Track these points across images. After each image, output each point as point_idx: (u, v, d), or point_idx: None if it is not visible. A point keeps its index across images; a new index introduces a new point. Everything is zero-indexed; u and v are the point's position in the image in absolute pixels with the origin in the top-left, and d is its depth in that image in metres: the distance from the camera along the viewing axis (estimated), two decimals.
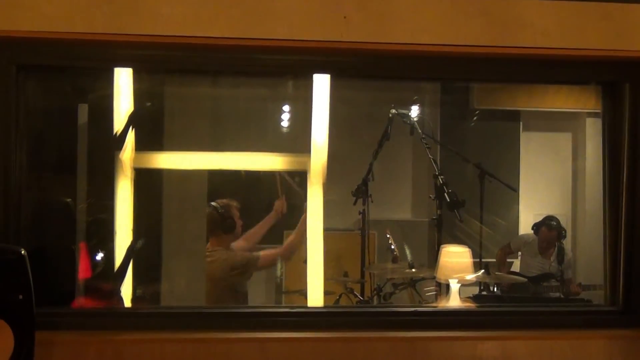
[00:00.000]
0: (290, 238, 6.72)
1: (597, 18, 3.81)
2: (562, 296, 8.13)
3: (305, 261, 4.92)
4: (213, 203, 6.48)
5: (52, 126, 4.65)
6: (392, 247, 7.21)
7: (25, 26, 3.56)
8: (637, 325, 4.03)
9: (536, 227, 8.71)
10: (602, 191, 4.23)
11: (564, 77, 4.19)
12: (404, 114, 6.58)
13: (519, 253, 9.00)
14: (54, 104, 4.68)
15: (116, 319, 3.97)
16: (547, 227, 8.56)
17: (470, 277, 5.28)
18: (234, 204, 6.63)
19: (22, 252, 3.23)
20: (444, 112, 10.10)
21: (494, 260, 8.66)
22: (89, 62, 3.83)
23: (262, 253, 6.46)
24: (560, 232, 8.55)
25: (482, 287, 7.06)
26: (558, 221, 8.57)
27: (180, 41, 3.66)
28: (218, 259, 6.32)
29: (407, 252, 7.19)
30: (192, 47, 3.74)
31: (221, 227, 6.41)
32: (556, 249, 8.48)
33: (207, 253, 6.37)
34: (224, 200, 6.56)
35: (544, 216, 8.83)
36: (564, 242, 8.65)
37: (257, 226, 6.86)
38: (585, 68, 4.02)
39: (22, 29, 3.56)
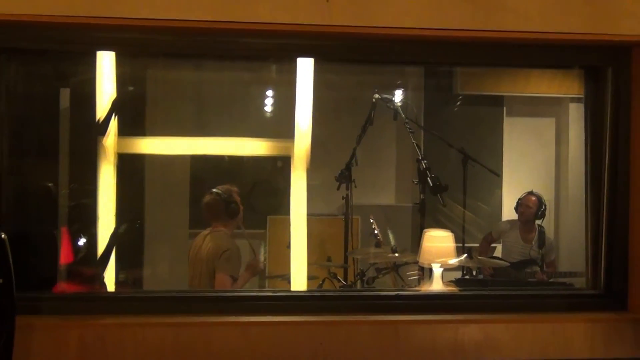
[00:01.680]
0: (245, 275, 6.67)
1: (580, 2, 3.81)
2: (545, 279, 8.15)
3: (288, 246, 4.92)
4: (214, 189, 6.48)
5: (34, 110, 4.62)
6: (376, 231, 7.20)
7: (6, 9, 3.53)
8: (617, 308, 4.06)
9: (517, 202, 8.73)
10: (584, 176, 4.24)
11: (547, 61, 4.19)
12: (387, 98, 6.56)
13: (502, 239, 9.00)
14: (36, 88, 4.65)
15: (97, 303, 3.96)
16: (528, 194, 8.58)
17: (453, 261, 5.28)
18: (234, 188, 6.64)
19: (3, 236, 3.22)
20: (428, 97, 10.08)
21: (477, 245, 8.67)
22: (71, 45, 3.81)
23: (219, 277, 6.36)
24: (541, 200, 8.56)
25: (464, 272, 7.07)
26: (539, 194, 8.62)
27: (163, 24, 3.64)
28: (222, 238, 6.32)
29: (391, 236, 7.18)
30: (175, 31, 3.72)
31: (226, 212, 6.41)
32: (537, 233, 8.50)
33: (212, 233, 6.38)
34: (225, 186, 6.56)
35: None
36: (544, 225, 8.67)
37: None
38: (568, 52, 4.03)
39: (4, 12, 3.54)
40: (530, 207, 8.53)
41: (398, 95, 8.84)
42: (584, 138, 4.23)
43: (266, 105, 9.61)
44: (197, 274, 6.26)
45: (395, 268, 6.69)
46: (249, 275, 6.60)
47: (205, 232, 6.47)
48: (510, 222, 8.83)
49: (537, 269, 8.31)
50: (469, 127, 10.12)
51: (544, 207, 8.59)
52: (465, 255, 5.56)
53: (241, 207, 6.54)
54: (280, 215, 8.60)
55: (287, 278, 5.71)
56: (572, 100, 10.30)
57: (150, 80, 6.42)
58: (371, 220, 7.37)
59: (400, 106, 6.60)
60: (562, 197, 10.73)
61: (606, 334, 3.94)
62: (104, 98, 4.64)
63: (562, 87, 9.79)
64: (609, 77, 4.05)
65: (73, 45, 3.82)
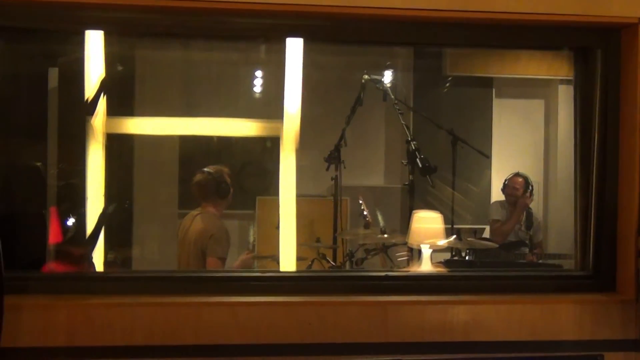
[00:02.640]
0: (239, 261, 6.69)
1: None
2: (534, 260, 8.18)
3: (277, 227, 4.92)
4: (205, 169, 6.49)
5: (22, 90, 4.62)
6: (365, 213, 7.22)
7: None
8: (606, 289, 4.06)
9: (504, 184, 8.75)
10: (573, 158, 4.25)
11: (536, 42, 4.18)
12: (376, 79, 6.57)
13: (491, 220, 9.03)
14: (23, 68, 4.64)
15: (86, 283, 3.95)
16: (514, 175, 8.62)
17: (442, 242, 5.30)
18: (225, 169, 6.65)
19: None
20: (417, 78, 10.10)
21: (467, 226, 8.69)
22: (58, 24, 3.78)
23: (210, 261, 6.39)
24: (527, 181, 8.60)
25: (453, 253, 7.09)
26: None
27: (151, 3, 3.62)
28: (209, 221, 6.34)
29: (380, 217, 7.19)
30: (163, 10, 3.70)
31: (217, 192, 6.43)
32: (524, 214, 8.53)
33: (201, 214, 6.39)
34: (216, 166, 6.57)
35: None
36: (531, 206, 8.70)
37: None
38: (558, 33, 4.02)
39: None
40: (517, 189, 8.57)
41: (387, 76, 8.87)
42: (573, 120, 4.24)
43: (255, 85, 9.60)
44: (185, 255, 6.28)
45: (384, 249, 6.72)
46: (239, 266, 6.63)
47: (195, 212, 6.48)
48: (500, 202, 8.87)
49: (527, 250, 8.34)
50: (458, 108, 10.14)
51: (531, 188, 8.62)
52: (454, 236, 5.57)
53: (232, 188, 6.54)
54: (269, 196, 8.61)
55: (276, 259, 5.72)
56: (562, 82, 10.33)
57: (139, 60, 6.40)
58: (360, 202, 7.39)
59: (389, 87, 6.61)
60: (550, 179, 10.78)
61: (595, 315, 3.95)
62: (93, 78, 4.62)
63: (551, 68, 9.81)
64: (599, 59, 4.04)
65: (61, 24, 3.79)
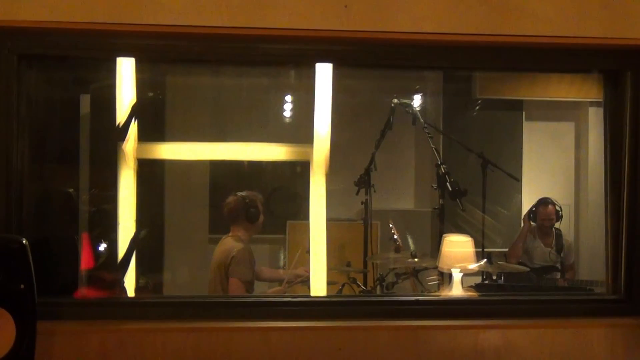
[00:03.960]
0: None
1: (597, 6, 3.81)
2: (566, 285, 8.11)
3: (308, 251, 4.92)
4: (239, 192, 6.52)
5: (54, 116, 4.66)
6: (395, 236, 7.20)
7: (26, 16, 3.56)
8: (638, 313, 4.04)
9: (533, 212, 8.68)
10: (604, 180, 4.23)
11: (566, 65, 4.18)
12: (406, 103, 6.56)
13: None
14: (56, 94, 4.68)
15: (118, 308, 3.97)
16: (544, 204, 8.54)
17: (473, 266, 5.28)
18: (259, 196, 6.68)
19: (24, 241, 3.23)
20: (447, 101, 10.07)
21: (497, 250, 8.65)
22: (90, 52, 3.83)
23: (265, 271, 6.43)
24: (557, 206, 8.53)
25: (484, 277, 7.05)
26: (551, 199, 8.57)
27: (182, 31, 3.66)
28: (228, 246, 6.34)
29: (410, 241, 7.18)
30: (194, 37, 3.74)
31: (246, 215, 6.43)
32: (554, 236, 8.46)
33: (227, 237, 6.42)
34: (250, 192, 6.59)
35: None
36: (561, 228, 8.64)
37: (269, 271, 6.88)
38: (587, 56, 4.02)
39: (24, 19, 3.56)
40: (552, 220, 8.50)
41: (417, 100, 8.86)
42: (603, 142, 4.23)
43: (285, 110, 9.62)
44: (213, 279, 6.29)
45: (415, 273, 6.69)
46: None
47: (225, 237, 6.50)
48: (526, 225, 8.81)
49: (558, 275, 8.28)
50: (488, 131, 10.10)
51: (561, 213, 8.57)
52: (485, 260, 5.55)
53: (262, 215, 6.56)
54: (299, 221, 8.62)
55: (307, 283, 5.72)
56: (592, 104, 10.27)
57: (170, 85, 6.44)
58: (390, 225, 7.37)
59: (419, 111, 6.60)
60: (582, 202, 10.70)
61: (626, 339, 3.92)
62: (124, 104, 4.66)
63: (581, 91, 9.77)
64: (628, 81, 4.04)
65: (93, 51, 3.84)
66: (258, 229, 6.56)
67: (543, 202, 8.56)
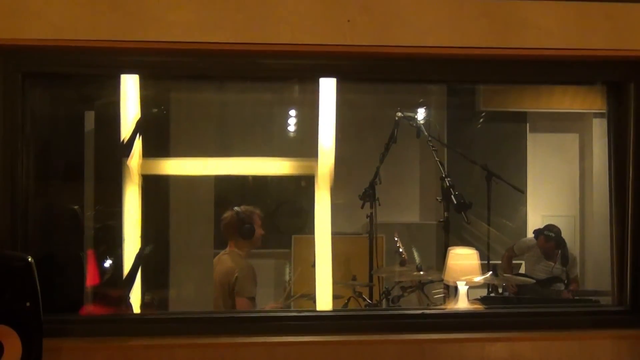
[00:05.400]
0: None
1: (600, 18, 3.81)
2: (570, 297, 8.10)
3: (313, 265, 4.92)
4: (236, 207, 6.52)
5: (59, 133, 4.66)
6: (400, 250, 7.19)
7: (30, 34, 3.57)
8: None
9: (536, 233, 8.68)
10: (608, 191, 4.23)
11: (569, 77, 4.19)
12: (410, 116, 6.58)
13: (525, 255, 8.96)
14: (61, 112, 4.68)
15: (124, 325, 3.97)
16: (545, 238, 8.51)
17: (478, 279, 5.28)
18: (257, 211, 6.66)
19: (30, 259, 3.24)
20: (451, 114, 10.09)
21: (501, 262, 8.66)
22: (94, 69, 3.84)
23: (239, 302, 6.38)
24: (558, 242, 8.48)
25: (490, 289, 7.05)
26: (558, 232, 8.48)
27: (185, 47, 3.67)
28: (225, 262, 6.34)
29: (415, 254, 7.18)
30: (197, 53, 3.75)
31: (239, 231, 6.44)
32: (559, 254, 8.45)
33: (225, 254, 6.41)
34: (249, 207, 6.59)
35: (546, 224, 8.78)
36: (566, 240, 8.63)
37: None
38: (590, 68, 4.02)
39: (28, 37, 3.57)
40: (550, 247, 8.47)
41: (421, 113, 8.86)
42: (607, 153, 4.23)
43: (289, 125, 9.64)
44: (216, 298, 6.29)
45: (421, 286, 6.69)
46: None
47: (222, 252, 6.50)
48: (533, 239, 8.80)
49: (562, 287, 8.27)
50: (492, 143, 10.12)
51: (563, 243, 8.51)
52: (491, 272, 5.55)
53: (259, 231, 6.55)
54: (304, 235, 8.62)
55: (312, 297, 5.72)
56: (596, 115, 10.29)
57: (174, 101, 6.44)
58: (396, 239, 7.37)
59: (423, 124, 6.62)
60: (587, 213, 10.70)
61: (633, 350, 3.92)
62: (128, 120, 4.67)
63: (585, 102, 9.77)
64: (631, 92, 4.04)
65: (97, 68, 3.85)
66: (255, 245, 6.55)
67: (545, 235, 8.54)
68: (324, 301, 4.89)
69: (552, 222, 8.75)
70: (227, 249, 6.48)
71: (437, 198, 6.15)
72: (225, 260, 6.35)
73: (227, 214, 6.51)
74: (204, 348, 3.73)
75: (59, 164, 4.71)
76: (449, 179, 5.84)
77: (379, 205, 7.25)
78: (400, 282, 6.97)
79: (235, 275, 6.18)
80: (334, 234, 4.84)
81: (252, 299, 6.19)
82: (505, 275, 6.36)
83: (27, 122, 3.78)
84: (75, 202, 4.97)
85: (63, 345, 3.65)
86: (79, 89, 4.79)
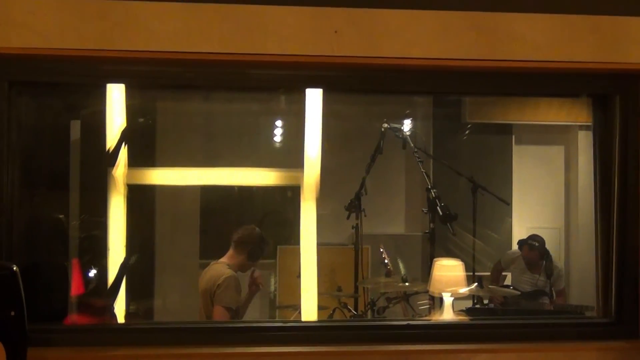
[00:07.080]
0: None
1: (587, 31, 3.83)
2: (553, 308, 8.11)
3: (298, 276, 4.92)
4: (256, 227, 6.53)
5: (45, 142, 4.65)
6: (386, 261, 7.21)
7: (16, 43, 3.56)
8: (629, 336, 4.04)
9: (520, 243, 8.70)
10: (593, 203, 4.24)
11: (555, 89, 4.21)
12: (396, 127, 6.59)
13: (510, 267, 8.97)
14: (46, 121, 4.67)
15: (109, 334, 3.96)
16: (529, 247, 8.50)
17: (464, 290, 5.29)
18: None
19: (15, 268, 3.22)
20: (437, 125, 10.11)
21: (488, 273, 8.66)
22: (80, 78, 3.83)
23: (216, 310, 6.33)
24: (542, 253, 8.48)
25: (475, 301, 7.06)
26: (542, 242, 8.47)
27: (172, 57, 3.67)
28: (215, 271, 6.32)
29: (401, 266, 7.19)
30: (184, 63, 3.74)
31: (251, 249, 6.40)
32: (542, 266, 8.45)
33: (214, 264, 6.39)
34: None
35: (529, 235, 8.78)
36: (552, 255, 8.63)
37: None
38: (576, 80, 4.04)
39: (14, 46, 3.57)
40: (534, 257, 8.47)
41: (407, 125, 8.89)
42: (592, 165, 4.24)
43: (275, 135, 9.64)
44: (201, 307, 6.27)
45: (406, 297, 6.70)
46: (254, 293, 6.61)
47: (213, 262, 6.47)
48: (517, 251, 8.80)
49: (547, 300, 8.27)
50: (478, 155, 10.14)
51: (547, 254, 8.52)
52: (476, 284, 5.56)
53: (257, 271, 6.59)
54: (290, 245, 8.61)
55: (297, 308, 5.71)
56: (581, 127, 10.31)
57: (160, 111, 6.45)
58: (381, 250, 7.38)
59: (409, 135, 6.62)
60: (572, 225, 10.72)
61: None
62: (114, 129, 4.66)
63: (570, 115, 9.81)
64: (617, 105, 4.06)
65: (83, 78, 3.85)
66: (247, 267, 6.52)
67: (529, 244, 8.53)
68: (309, 312, 4.89)
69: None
70: (223, 260, 6.44)
71: (423, 209, 6.16)
72: (214, 268, 6.33)
73: (249, 229, 6.49)
74: (188, 358, 3.73)
75: (45, 173, 4.69)
76: (434, 190, 5.85)
77: (365, 216, 7.25)
78: (385, 293, 6.97)
79: (218, 283, 6.15)
80: (320, 245, 4.84)
81: (233, 311, 6.14)
82: (490, 287, 6.37)
83: (13, 130, 3.77)
84: (60, 211, 4.96)
85: (48, 355, 3.63)
86: (65, 98, 4.78)
